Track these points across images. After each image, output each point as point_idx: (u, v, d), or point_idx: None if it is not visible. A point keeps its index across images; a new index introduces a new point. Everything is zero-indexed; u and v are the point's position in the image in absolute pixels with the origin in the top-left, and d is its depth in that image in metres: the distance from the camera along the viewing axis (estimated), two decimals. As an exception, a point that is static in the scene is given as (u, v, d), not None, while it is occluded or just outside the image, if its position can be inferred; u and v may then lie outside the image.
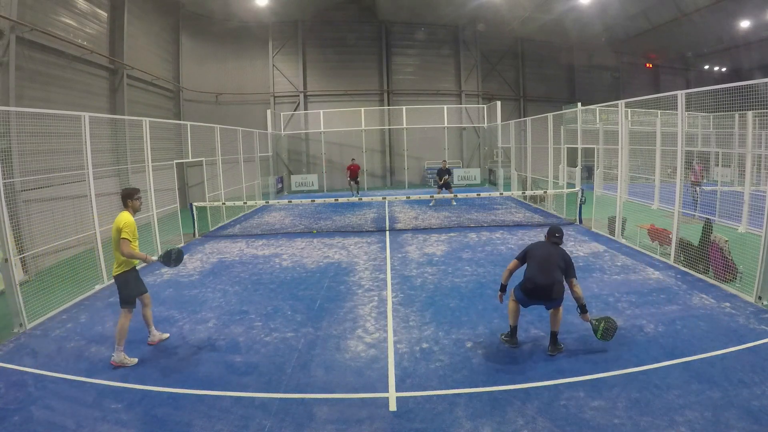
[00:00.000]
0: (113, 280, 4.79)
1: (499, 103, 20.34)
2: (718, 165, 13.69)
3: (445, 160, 15.92)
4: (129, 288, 4.70)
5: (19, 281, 5.73)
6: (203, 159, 12.10)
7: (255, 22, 20.43)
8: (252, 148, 15.81)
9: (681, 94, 6.98)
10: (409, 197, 13.17)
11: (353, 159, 18.63)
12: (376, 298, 6.27)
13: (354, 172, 17.80)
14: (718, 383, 3.79)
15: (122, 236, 4.51)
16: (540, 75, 25.38)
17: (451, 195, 14.24)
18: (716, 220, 8.66)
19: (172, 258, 5.01)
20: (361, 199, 13.95)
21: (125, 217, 4.65)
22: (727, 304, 5.54)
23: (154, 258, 4.91)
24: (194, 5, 18.63)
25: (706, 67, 28.68)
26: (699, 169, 10.90)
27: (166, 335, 5.18)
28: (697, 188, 10.29)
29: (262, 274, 7.62)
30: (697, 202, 9.96)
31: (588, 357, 4.36)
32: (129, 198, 4.80)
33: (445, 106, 21.30)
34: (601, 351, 4.46)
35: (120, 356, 4.54)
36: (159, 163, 9.64)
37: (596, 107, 12.82)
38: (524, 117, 20.75)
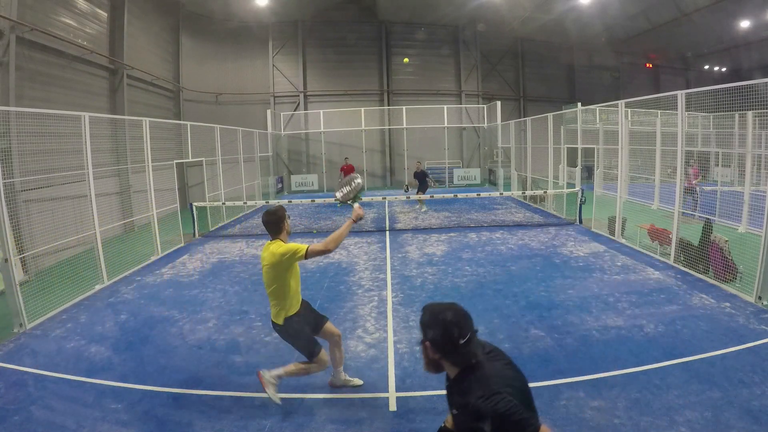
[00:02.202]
0: (277, 331, 3.67)
1: (499, 103, 20.32)
2: (718, 165, 13.69)
3: (419, 162, 14.69)
4: (303, 336, 3.61)
5: (19, 281, 5.72)
6: (203, 159, 12.10)
7: (255, 22, 20.43)
8: (252, 148, 15.80)
9: (681, 94, 6.98)
10: (409, 197, 13.16)
11: (346, 158, 17.54)
12: (376, 298, 6.27)
13: (347, 174, 16.58)
14: (718, 383, 3.79)
15: (299, 254, 3.48)
16: (540, 75, 25.38)
17: (418, 197, 12.92)
18: (716, 220, 8.65)
19: (358, 195, 4.06)
20: (361, 199, 13.89)
21: (281, 244, 3.60)
22: (727, 304, 5.54)
23: (360, 213, 3.88)
24: (194, 5, 18.62)
25: (706, 67, 28.67)
26: (694, 173, 10.52)
27: (360, 382, 4.02)
28: (697, 188, 10.19)
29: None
30: (697, 202, 9.93)
31: (588, 357, 4.36)
32: (282, 221, 3.70)
33: (445, 106, 21.26)
34: (601, 351, 4.45)
35: (271, 390, 3.59)
36: (159, 163, 9.63)
37: (596, 107, 12.83)
38: (524, 117, 20.75)
